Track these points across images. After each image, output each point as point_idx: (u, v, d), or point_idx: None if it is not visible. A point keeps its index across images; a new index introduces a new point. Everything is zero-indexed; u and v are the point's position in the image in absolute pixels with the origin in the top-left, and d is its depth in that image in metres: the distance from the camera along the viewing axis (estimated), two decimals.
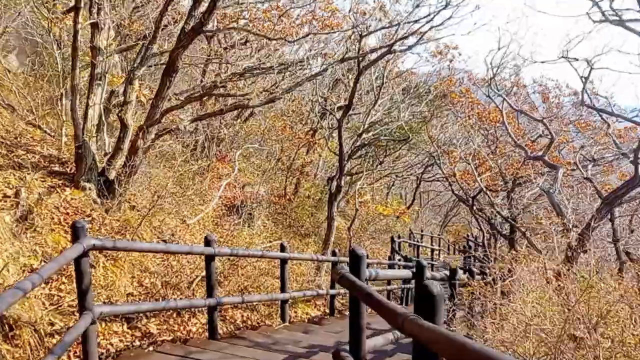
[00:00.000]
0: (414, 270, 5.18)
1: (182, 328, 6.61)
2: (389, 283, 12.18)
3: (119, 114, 7.35)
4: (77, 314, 4.68)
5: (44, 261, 5.81)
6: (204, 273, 6.47)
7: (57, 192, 7.03)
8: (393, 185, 26.12)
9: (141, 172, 9.52)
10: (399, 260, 14.90)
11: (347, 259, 11.20)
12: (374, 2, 9.93)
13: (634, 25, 6.42)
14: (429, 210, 36.42)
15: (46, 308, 5.48)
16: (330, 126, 15.64)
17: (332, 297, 9.38)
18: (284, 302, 7.62)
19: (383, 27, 9.10)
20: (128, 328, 5.98)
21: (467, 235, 26.29)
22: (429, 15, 8.47)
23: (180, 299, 7.06)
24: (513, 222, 10.39)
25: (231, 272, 8.50)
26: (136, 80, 7.53)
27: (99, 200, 7.32)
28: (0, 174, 6.57)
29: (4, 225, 5.73)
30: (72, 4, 7.19)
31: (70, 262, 3.95)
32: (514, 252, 11.76)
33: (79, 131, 6.93)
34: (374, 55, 10.10)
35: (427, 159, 21.27)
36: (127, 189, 7.27)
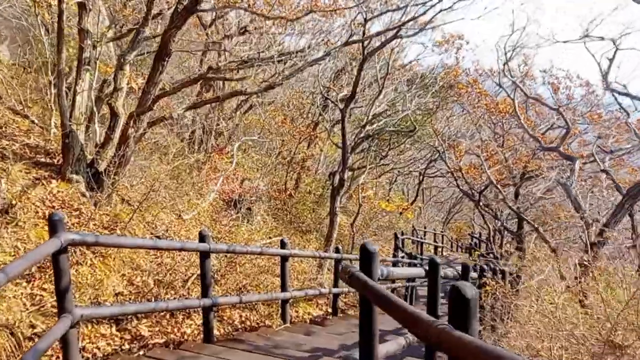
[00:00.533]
0: (426, 268, 4.75)
1: (175, 330, 6.18)
2: (392, 281, 11.74)
3: (109, 102, 6.90)
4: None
5: None
6: (199, 271, 6.02)
7: (43, 184, 6.59)
8: (395, 181, 25.66)
9: (135, 165, 9.08)
10: (403, 257, 14.46)
11: (351, 256, 10.78)
12: None
13: None
14: (431, 206, 35.98)
15: (27, 309, 5.05)
16: (332, 119, 15.18)
17: (335, 296, 8.95)
18: (284, 301, 7.19)
19: (389, 10, 8.63)
20: (117, 330, 5.55)
21: (472, 232, 25.88)
22: None
23: (174, 298, 6.63)
24: (525, 218, 9.93)
25: (229, 270, 8.07)
26: (127, 65, 7.08)
27: (87, 194, 6.88)
28: None
29: None
30: None
31: (43, 258, 3.50)
32: (533, 249, 11.34)
33: (66, 119, 6.49)
34: (378, 43, 9.64)
35: (430, 154, 20.81)
36: (117, 182, 6.83)
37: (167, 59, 6.52)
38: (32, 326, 4.89)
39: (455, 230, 37.95)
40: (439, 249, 23.97)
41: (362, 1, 7.69)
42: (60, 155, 7.08)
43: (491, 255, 15.70)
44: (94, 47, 8.36)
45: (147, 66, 11.02)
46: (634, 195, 6.38)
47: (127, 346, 5.36)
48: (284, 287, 7.14)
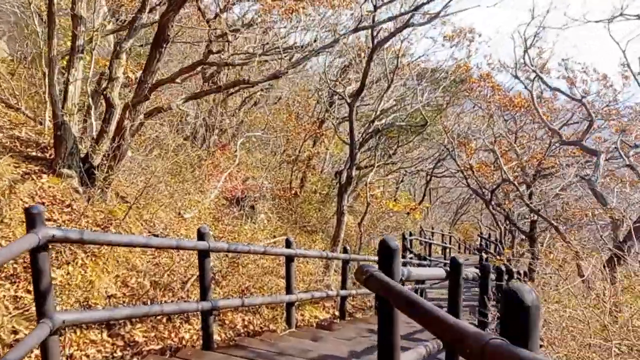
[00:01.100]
0: (447, 269, 4.30)
1: (173, 335, 5.75)
2: (403, 283, 11.26)
3: (104, 92, 6.50)
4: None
5: None
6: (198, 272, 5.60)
7: (33, 179, 6.19)
8: (402, 181, 25.18)
9: (134, 162, 8.69)
10: (412, 258, 13.99)
11: (359, 257, 10.33)
12: None
13: None
14: (438, 207, 35.47)
15: (9, 313, 4.64)
16: (338, 117, 14.73)
17: (343, 298, 8.49)
18: (289, 304, 6.74)
19: None
20: (109, 336, 5.13)
21: (480, 233, 25.36)
22: None
23: (172, 301, 6.21)
24: (545, 217, 9.44)
25: (231, 271, 7.64)
26: (123, 54, 6.68)
27: (80, 189, 6.48)
28: None
29: None
30: None
31: (15, 256, 3.09)
32: (546, 250, 10.82)
33: (57, 109, 6.09)
34: (387, 34, 9.19)
35: (438, 153, 20.33)
36: (113, 177, 6.42)
37: (164, 45, 6.11)
38: (15, 332, 4.48)
39: (462, 232, 37.43)
40: (447, 250, 23.47)
41: None
42: (53, 149, 6.69)
43: (502, 256, 15.22)
44: (91, 40, 7.99)
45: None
46: None
47: (119, 353, 4.94)
48: (289, 289, 6.70)
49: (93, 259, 5.81)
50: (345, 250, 8.60)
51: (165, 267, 6.67)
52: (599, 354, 3.37)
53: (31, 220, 3.33)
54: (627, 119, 11.03)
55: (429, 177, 23.95)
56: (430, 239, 21.35)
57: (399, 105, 12.62)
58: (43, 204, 5.95)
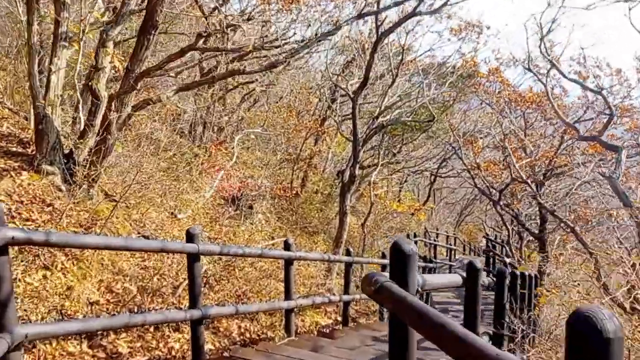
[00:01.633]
0: (463, 274, 3.84)
1: (161, 345, 5.30)
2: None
3: (90, 83, 6.06)
4: None
5: None
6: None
7: (11, 175, 5.75)
8: (406, 181, 24.70)
9: (123, 159, 8.25)
10: (417, 260, 13.49)
11: (362, 259, 9.85)
12: None
13: None
14: (443, 208, 34.96)
15: None
16: (340, 114, 14.25)
17: (346, 304, 8.01)
18: (288, 311, 6.27)
19: None
20: (89, 347, 4.67)
21: (486, 234, 24.84)
22: None
23: (162, 308, 5.76)
24: (560, 217, 8.95)
25: (226, 275, 7.18)
26: (110, 42, 6.23)
27: (64, 187, 6.03)
28: None
29: None
30: None
31: None
32: (556, 252, 10.31)
33: (38, 101, 5.64)
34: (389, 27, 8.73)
35: (443, 152, 19.84)
36: (99, 174, 5.97)
37: (153, 32, 5.66)
38: None
39: (466, 233, 36.92)
40: (452, 252, 22.98)
41: None
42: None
43: (508, 259, 14.72)
44: (83, 32, 7.55)
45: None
46: None
47: None
48: (288, 295, 6.23)
49: (75, 262, 5.36)
50: (348, 252, 8.12)
51: (156, 271, 6.22)
52: None
53: None
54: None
55: (433, 177, 23.44)
56: (435, 240, 20.86)
57: (403, 101, 12.13)
58: (22, 202, 5.51)
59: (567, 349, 1.18)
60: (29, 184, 5.78)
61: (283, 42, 8.07)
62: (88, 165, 5.82)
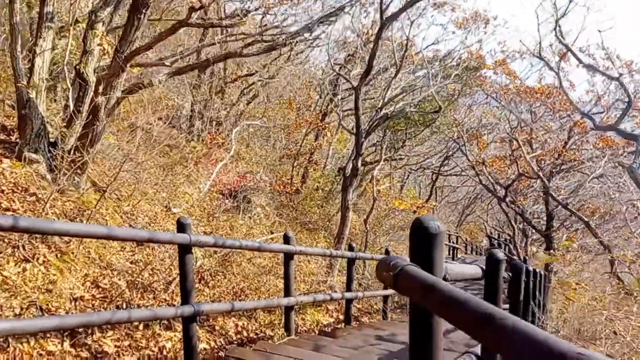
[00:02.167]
0: (482, 266, 3.47)
1: (151, 344, 4.93)
2: None
3: (77, 67, 5.69)
4: None
5: None
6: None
7: None
8: (407, 178, 24.34)
9: (115, 149, 7.89)
10: None
11: (366, 255, 9.47)
12: None
13: None
14: (444, 207, 34.59)
15: None
16: (342, 108, 13.88)
17: (348, 301, 7.64)
18: (288, 308, 5.90)
19: None
20: (71, 346, 4.30)
21: (490, 233, 24.50)
22: None
23: (152, 305, 5.39)
24: (574, 212, 8.59)
25: (222, 270, 6.82)
26: (99, 24, 5.86)
27: (49, 176, 5.66)
28: None
29: None
30: None
31: None
32: (564, 250, 9.97)
33: (21, 84, 5.28)
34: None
35: (446, 149, 19.48)
36: (87, 163, 5.60)
37: (144, 10, 5.30)
38: None
39: (466, 232, 36.56)
40: (455, 251, 22.64)
41: None
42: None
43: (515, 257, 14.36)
44: (77, 22, 7.20)
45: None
46: None
47: None
48: (288, 291, 5.86)
49: (59, 255, 5.00)
50: (350, 248, 7.74)
51: (143, 265, 5.85)
52: None
53: None
54: None
55: (436, 175, 23.09)
56: None
57: (407, 92, 11.74)
58: (2, 191, 5.14)
59: None
60: (10, 172, 5.41)
61: (283, 27, 7.73)
62: (74, 152, 5.45)
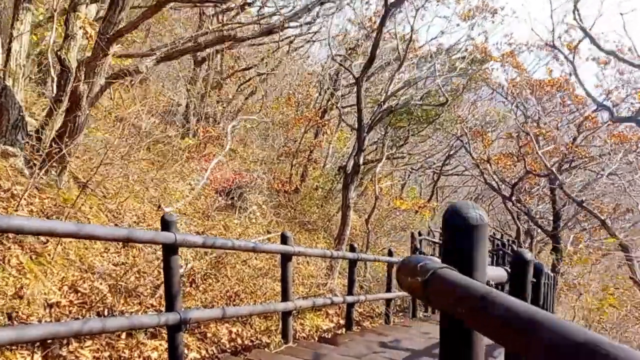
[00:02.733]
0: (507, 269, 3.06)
1: (135, 354, 4.49)
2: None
3: (58, 53, 5.26)
4: None
5: None
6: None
7: None
8: (408, 177, 23.89)
9: (99, 143, 7.45)
10: None
11: (369, 257, 9.04)
12: None
13: None
14: (445, 207, 34.20)
15: None
16: (343, 104, 13.45)
17: (350, 306, 7.19)
18: (286, 314, 5.47)
19: None
20: (43, 358, 3.87)
21: (493, 235, 24.06)
22: None
23: (137, 311, 4.95)
24: (589, 209, 8.17)
25: (215, 273, 6.38)
26: (83, 6, 5.44)
27: (27, 171, 5.23)
28: None
29: None
30: None
31: None
32: (570, 250, 9.56)
33: None
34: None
35: (448, 148, 19.07)
36: (63, 155, 5.17)
37: None
38: None
39: None
40: None
41: None
42: None
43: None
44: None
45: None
46: None
47: None
48: (285, 295, 5.42)
49: (34, 257, 4.56)
50: (352, 249, 7.31)
51: (134, 268, 5.41)
52: None
53: None
54: None
55: (437, 175, 22.68)
56: (440, 239, 20.09)
57: (411, 86, 11.32)
58: None
59: None
60: None
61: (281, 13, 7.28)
62: (52, 144, 5.02)
